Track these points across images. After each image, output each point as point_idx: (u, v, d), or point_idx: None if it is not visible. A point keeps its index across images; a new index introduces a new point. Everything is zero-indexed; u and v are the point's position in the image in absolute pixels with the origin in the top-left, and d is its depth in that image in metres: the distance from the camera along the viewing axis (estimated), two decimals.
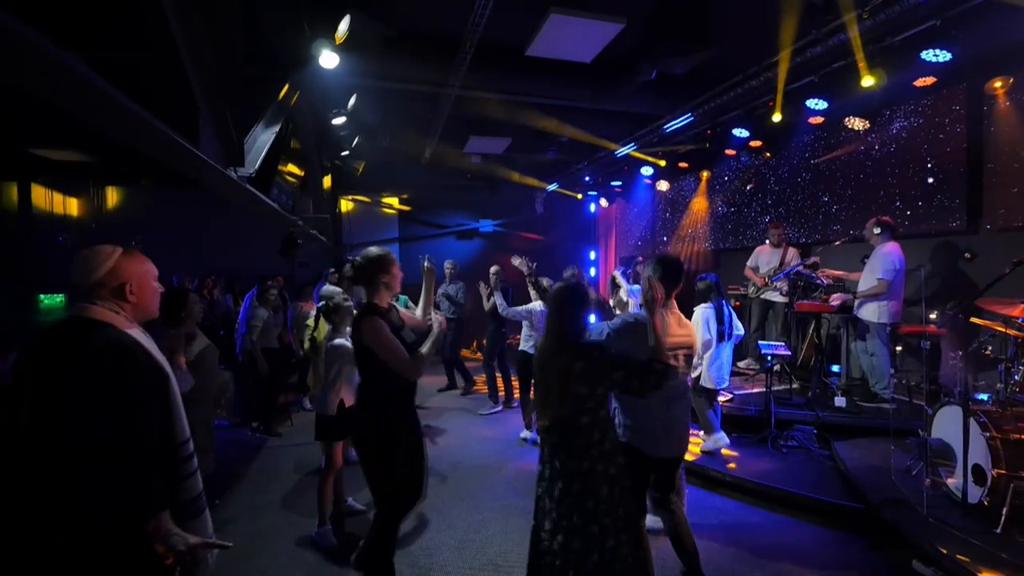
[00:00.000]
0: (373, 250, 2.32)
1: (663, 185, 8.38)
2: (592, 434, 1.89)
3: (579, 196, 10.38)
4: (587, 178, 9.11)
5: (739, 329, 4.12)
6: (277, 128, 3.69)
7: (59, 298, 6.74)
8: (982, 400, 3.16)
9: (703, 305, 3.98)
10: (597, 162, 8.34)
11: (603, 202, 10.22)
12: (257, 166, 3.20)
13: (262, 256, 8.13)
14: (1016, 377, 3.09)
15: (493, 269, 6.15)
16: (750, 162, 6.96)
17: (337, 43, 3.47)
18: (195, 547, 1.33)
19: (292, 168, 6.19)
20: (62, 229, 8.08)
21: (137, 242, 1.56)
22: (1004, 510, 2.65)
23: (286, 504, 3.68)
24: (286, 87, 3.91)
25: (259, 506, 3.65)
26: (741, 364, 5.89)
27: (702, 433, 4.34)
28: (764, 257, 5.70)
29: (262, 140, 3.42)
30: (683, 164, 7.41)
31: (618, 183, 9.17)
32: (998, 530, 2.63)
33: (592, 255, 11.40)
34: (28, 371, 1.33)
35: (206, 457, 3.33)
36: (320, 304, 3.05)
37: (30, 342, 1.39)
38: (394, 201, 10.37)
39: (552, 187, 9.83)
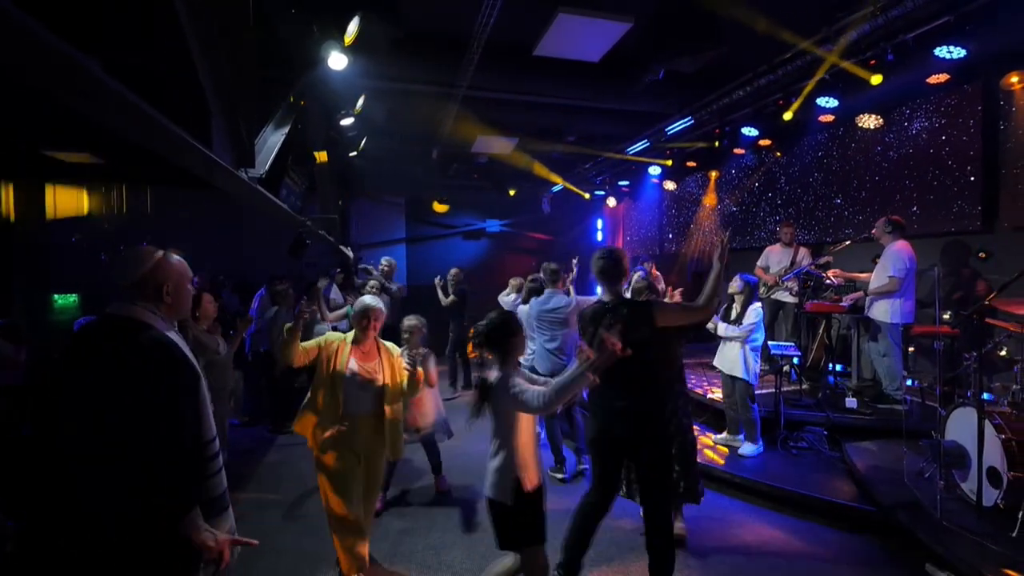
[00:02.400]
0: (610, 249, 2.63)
1: (670, 185, 8.34)
2: None
3: (587, 196, 10.36)
4: (595, 177, 9.10)
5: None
6: (287, 129, 3.72)
7: (72, 298, 6.85)
8: (989, 401, 3.11)
9: (758, 304, 4.09)
10: (604, 162, 8.32)
11: (611, 201, 10.20)
12: (267, 167, 3.23)
13: (270, 257, 8.19)
14: None
15: (452, 271, 6.24)
16: (760, 161, 6.91)
17: (346, 45, 3.50)
18: (224, 543, 1.36)
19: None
20: (75, 230, 8.19)
21: (148, 243, 1.59)
22: (1020, 513, 2.60)
23: (295, 502, 3.71)
24: (295, 88, 3.94)
25: (268, 504, 3.68)
26: None
27: (723, 436, 4.31)
28: (775, 257, 5.64)
29: (272, 141, 3.45)
30: (691, 163, 7.37)
31: (625, 183, 9.15)
32: (1014, 533, 2.59)
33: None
34: (64, 369, 1.35)
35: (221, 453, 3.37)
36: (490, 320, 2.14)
37: (68, 342, 1.42)
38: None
39: (558, 187, 9.80)
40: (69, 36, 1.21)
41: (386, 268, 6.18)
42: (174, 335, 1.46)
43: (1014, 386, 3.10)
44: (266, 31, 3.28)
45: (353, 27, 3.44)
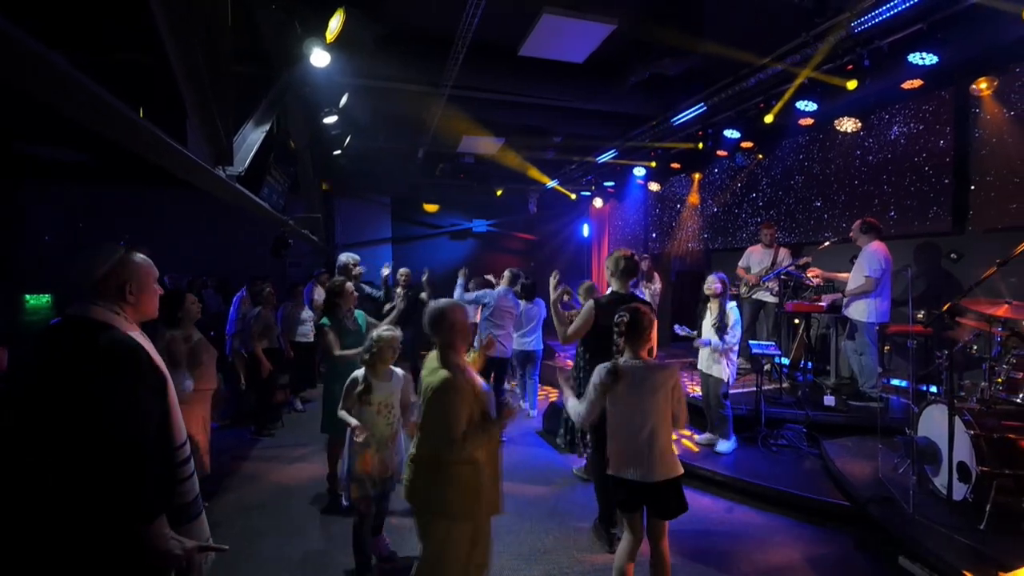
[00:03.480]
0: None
1: (655, 186, 8.44)
2: None
3: (573, 196, 10.41)
4: (581, 177, 9.15)
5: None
6: (267, 127, 3.66)
7: (45, 298, 6.66)
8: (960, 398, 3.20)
9: (733, 303, 4.11)
10: (590, 162, 8.36)
11: (597, 202, 10.26)
12: (246, 165, 3.17)
13: (253, 257, 8.07)
14: (1000, 376, 3.13)
15: (401, 271, 6.02)
16: (742, 163, 7.00)
17: (328, 42, 3.46)
18: (191, 551, 1.31)
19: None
20: (49, 228, 7.97)
21: (125, 242, 1.54)
22: (988, 506, 2.68)
23: (276, 505, 3.65)
24: (276, 86, 3.88)
25: (249, 507, 3.62)
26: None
27: (706, 436, 4.37)
28: (756, 257, 5.74)
29: (252, 139, 3.39)
30: (675, 165, 7.46)
31: (611, 183, 9.21)
32: (982, 526, 2.67)
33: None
34: (27, 373, 1.30)
35: (204, 457, 3.28)
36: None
37: (29, 343, 1.35)
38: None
39: (549, 185, 9.79)
40: (33, 30, 1.18)
41: (353, 266, 4.54)
42: (138, 336, 1.40)
43: (982, 383, 3.19)
44: (245, 26, 3.22)
45: (335, 23, 3.40)
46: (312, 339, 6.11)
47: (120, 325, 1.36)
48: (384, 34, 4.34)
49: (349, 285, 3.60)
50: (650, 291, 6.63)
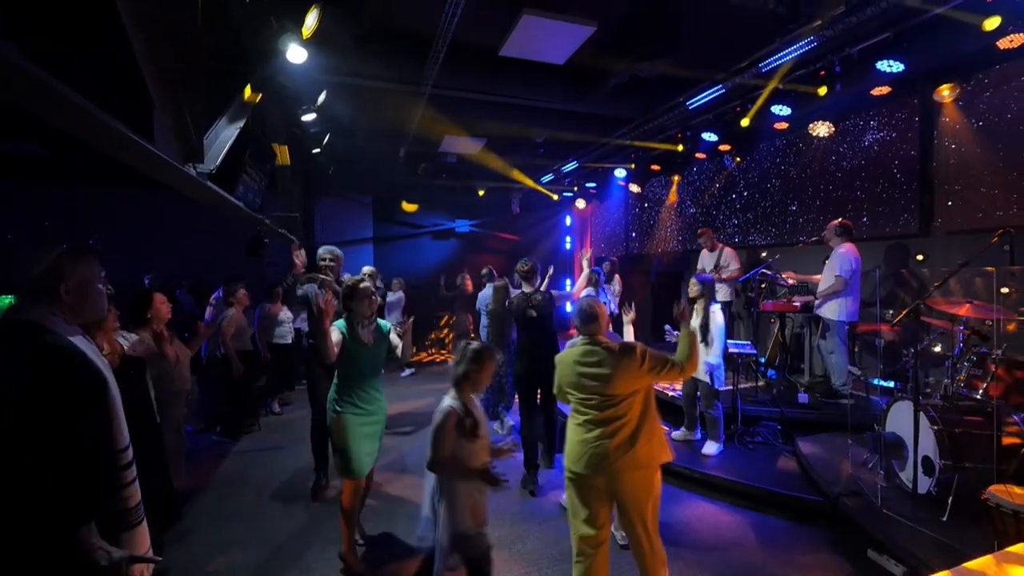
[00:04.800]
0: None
1: (635, 187, 8.53)
2: None
3: (555, 197, 10.45)
4: (563, 178, 9.19)
5: None
6: (242, 124, 3.58)
7: (7, 299, 6.39)
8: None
9: (717, 306, 4.01)
10: (561, 170, 8.39)
11: (579, 203, 10.32)
12: (218, 162, 3.09)
13: (231, 257, 7.88)
14: (962, 373, 3.25)
15: (366, 269, 5.92)
16: (729, 165, 7.11)
17: (305, 38, 3.40)
18: (119, 562, 1.27)
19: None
20: (11, 227, 7.66)
21: (96, 241, 1.48)
22: (950, 499, 2.78)
23: (252, 513, 3.57)
24: (251, 81, 3.80)
25: (223, 515, 3.53)
26: None
27: (681, 432, 4.42)
28: (706, 260, 6.01)
29: (224, 136, 3.31)
30: (655, 167, 7.55)
31: (592, 184, 9.27)
32: (944, 518, 2.77)
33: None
34: None
35: (177, 461, 3.19)
36: None
37: None
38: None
39: (536, 184, 9.77)
40: None
41: (330, 260, 3.81)
42: (79, 339, 1.36)
43: (945, 380, 3.31)
44: (218, 19, 3.14)
45: (312, 19, 3.35)
46: (290, 341, 6.00)
47: (54, 326, 1.32)
48: (363, 32, 4.30)
49: (365, 285, 2.79)
50: (612, 291, 7.09)
